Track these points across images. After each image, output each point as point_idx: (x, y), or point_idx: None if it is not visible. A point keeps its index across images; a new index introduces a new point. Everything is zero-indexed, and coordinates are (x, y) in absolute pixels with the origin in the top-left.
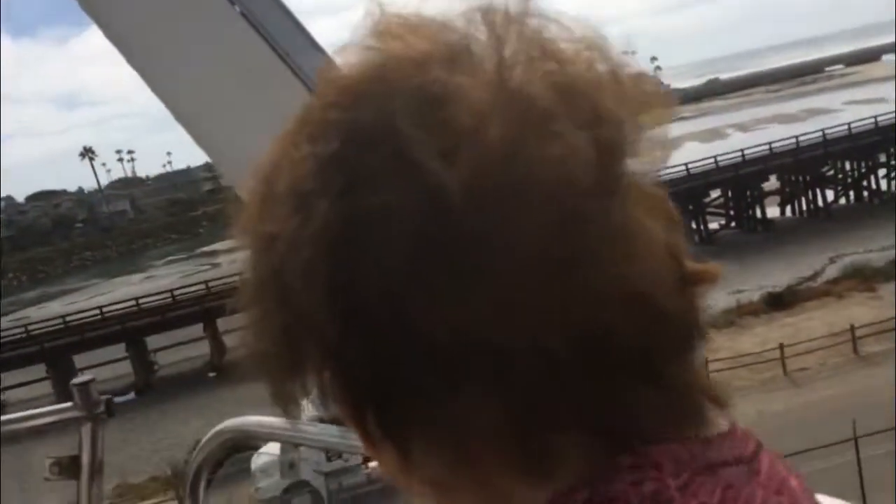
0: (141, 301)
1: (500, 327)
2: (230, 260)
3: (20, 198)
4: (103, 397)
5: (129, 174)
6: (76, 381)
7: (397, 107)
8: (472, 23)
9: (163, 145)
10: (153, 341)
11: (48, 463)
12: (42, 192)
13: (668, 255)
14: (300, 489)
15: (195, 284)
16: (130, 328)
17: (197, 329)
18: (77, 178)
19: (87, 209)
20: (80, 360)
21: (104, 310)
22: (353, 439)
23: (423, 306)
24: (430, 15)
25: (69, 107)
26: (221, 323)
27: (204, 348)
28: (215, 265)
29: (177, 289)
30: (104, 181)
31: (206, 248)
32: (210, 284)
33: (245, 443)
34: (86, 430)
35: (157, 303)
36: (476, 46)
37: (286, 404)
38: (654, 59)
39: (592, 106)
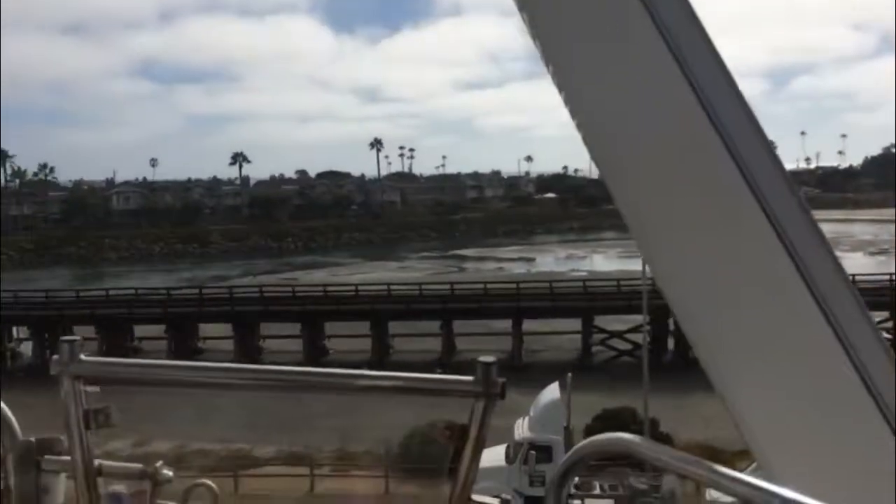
0: (392, 288)
1: None
2: (476, 268)
3: (312, 173)
4: (501, 380)
5: (406, 170)
6: (483, 359)
7: None
8: None
9: (439, 149)
10: (393, 326)
11: (441, 425)
12: (330, 172)
13: None
14: None
15: (441, 283)
16: (379, 310)
17: (433, 325)
18: (361, 164)
19: (365, 194)
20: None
21: (359, 288)
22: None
23: None
24: None
25: (370, 99)
26: (456, 325)
27: (436, 345)
28: (462, 269)
29: (425, 283)
30: (384, 172)
31: (457, 252)
32: (455, 286)
33: (617, 453)
34: (479, 405)
35: (405, 292)
36: None
37: None
38: None
39: None
